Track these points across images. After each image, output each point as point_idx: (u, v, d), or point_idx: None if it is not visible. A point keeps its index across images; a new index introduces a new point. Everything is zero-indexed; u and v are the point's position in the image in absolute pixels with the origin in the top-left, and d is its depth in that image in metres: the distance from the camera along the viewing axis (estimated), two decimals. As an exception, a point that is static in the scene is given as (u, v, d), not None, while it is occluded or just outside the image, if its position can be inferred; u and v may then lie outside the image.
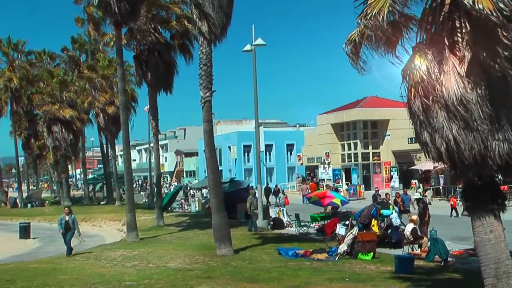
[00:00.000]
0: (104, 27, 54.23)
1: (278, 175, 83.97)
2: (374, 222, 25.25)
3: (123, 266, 21.47)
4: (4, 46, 70.20)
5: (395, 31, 12.39)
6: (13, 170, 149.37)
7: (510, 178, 25.49)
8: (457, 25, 11.73)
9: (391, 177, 63.73)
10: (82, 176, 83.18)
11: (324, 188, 55.86)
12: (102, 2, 29.77)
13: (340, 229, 25.71)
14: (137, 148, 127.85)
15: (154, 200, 45.75)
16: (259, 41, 34.26)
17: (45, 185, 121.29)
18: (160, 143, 48.39)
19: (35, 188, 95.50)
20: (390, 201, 31.86)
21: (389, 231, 26.11)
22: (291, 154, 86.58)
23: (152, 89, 37.19)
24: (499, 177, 13.94)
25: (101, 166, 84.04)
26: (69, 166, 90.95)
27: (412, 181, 56.57)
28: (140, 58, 36.31)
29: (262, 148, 69.90)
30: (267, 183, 65.82)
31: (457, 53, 11.70)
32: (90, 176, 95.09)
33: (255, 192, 34.37)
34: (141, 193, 79.43)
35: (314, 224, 32.93)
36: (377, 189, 43.90)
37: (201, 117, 24.14)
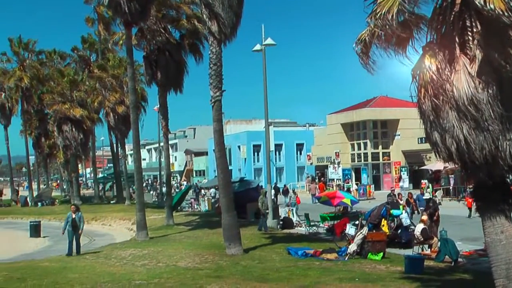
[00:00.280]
0: (114, 27, 54.10)
1: (287, 174, 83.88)
2: (384, 222, 25.23)
3: (133, 265, 21.53)
4: (15, 45, 70.44)
5: (405, 30, 12.36)
6: (24, 169, 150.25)
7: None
8: (468, 24, 11.68)
9: (400, 177, 63.57)
10: (92, 175, 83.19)
11: (334, 188, 55.81)
12: (112, 2, 29.81)
13: (350, 229, 25.66)
14: (147, 147, 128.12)
15: (164, 199, 45.79)
16: (269, 41, 34.22)
17: (54, 184, 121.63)
18: (170, 142, 48.37)
19: (45, 187, 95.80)
20: (402, 201, 31.84)
21: (399, 231, 26.08)
22: (300, 153, 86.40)
23: (162, 89, 37.23)
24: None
25: (111, 165, 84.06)
26: (79, 165, 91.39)
27: (422, 181, 56.37)
28: (150, 58, 36.36)
29: (272, 147, 69.95)
30: (275, 183, 65.72)
31: (468, 52, 11.65)
32: (100, 175, 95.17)
33: (266, 192, 34.34)
34: (151, 192, 79.48)
35: (323, 224, 32.92)
36: (392, 189, 43.91)
37: (211, 116, 24.20)
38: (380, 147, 67.40)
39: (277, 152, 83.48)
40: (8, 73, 70.64)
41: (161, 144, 51.10)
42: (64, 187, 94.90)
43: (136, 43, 35.41)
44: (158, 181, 76.77)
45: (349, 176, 66.98)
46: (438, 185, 52.72)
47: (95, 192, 72.04)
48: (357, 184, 61.72)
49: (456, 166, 13.13)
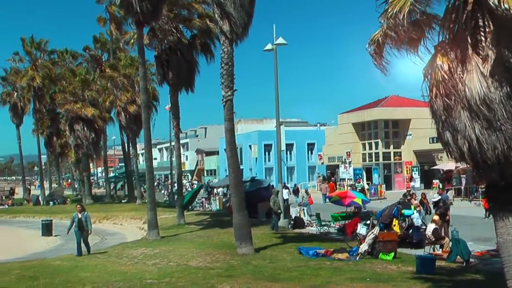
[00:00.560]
0: (126, 27, 54.38)
1: (298, 174, 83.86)
2: (395, 222, 25.14)
3: (144, 264, 21.59)
4: (27, 45, 70.88)
5: (417, 30, 12.33)
6: (36, 168, 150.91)
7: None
8: (481, 24, 11.64)
9: (411, 177, 63.45)
10: (103, 174, 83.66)
11: (345, 188, 55.70)
12: (124, 2, 29.88)
13: (361, 229, 25.62)
14: (158, 146, 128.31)
15: (175, 198, 45.85)
16: (280, 40, 34.19)
17: (64, 183, 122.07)
18: (181, 141, 48.47)
19: (57, 186, 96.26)
20: (416, 201, 31.75)
21: (410, 231, 26.02)
22: (311, 153, 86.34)
23: (173, 88, 37.25)
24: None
25: (123, 164, 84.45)
26: (91, 164, 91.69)
27: (433, 181, 56.27)
28: (162, 58, 36.37)
29: (283, 147, 69.82)
30: (284, 183, 65.61)
31: (480, 52, 11.60)
32: (112, 174, 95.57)
33: (278, 191, 34.29)
34: (162, 191, 79.69)
35: (335, 223, 32.87)
36: (409, 189, 43.86)
37: (222, 115, 24.20)
38: (391, 146, 67.24)
39: (288, 152, 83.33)
40: (21, 73, 71.16)
41: (173, 143, 51.16)
42: (76, 186, 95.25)
43: (147, 43, 35.43)
44: (169, 180, 76.88)
45: (360, 176, 66.89)
46: (450, 185, 52.55)
47: (106, 191, 72.34)
48: (368, 184, 61.59)
49: (468, 166, 13.09)
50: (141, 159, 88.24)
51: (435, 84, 11.93)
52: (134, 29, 33.87)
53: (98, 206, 56.58)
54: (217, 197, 54.17)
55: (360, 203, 32.56)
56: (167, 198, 68.42)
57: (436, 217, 24.50)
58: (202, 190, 63.18)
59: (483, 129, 11.33)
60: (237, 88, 24.00)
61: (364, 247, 22.55)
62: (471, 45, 11.71)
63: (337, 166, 72.15)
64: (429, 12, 12.37)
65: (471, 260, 21.04)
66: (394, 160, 66.74)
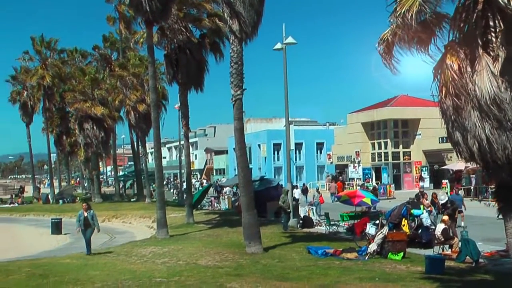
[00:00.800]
0: (135, 26, 54.30)
1: (307, 173, 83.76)
2: (404, 221, 25.09)
3: (153, 263, 21.63)
4: (37, 44, 71.10)
5: (426, 29, 12.30)
6: (45, 167, 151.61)
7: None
8: (491, 24, 11.61)
9: (421, 177, 63.28)
10: (113, 173, 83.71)
11: (354, 187, 55.61)
12: (134, 1, 29.89)
13: (370, 229, 25.60)
14: (167, 145, 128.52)
15: (184, 197, 45.93)
16: (290, 39, 34.15)
17: (72, 181, 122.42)
18: (190, 140, 48.48)
19: (66, 184, 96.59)
20: (427, 201, 31.68)
21: (420, 231, 25.93)
22: (321, 152, 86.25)
23: (182, 87, 37.28)
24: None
25: (132, 163, 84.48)
26: (100, 163, 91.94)
27: (443, 181, 56.11)
28: (171, 57, 36.40)
29: (292, 146, 69.78)
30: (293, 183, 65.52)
31: (491, 52, 11.58)
32: (121, 173, 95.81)
33: (288, 191, 34.26)
34: (171, 190, 79.79)
35: (343, 223, 32.82)
36: (421, 189, 43.60)
37: (231, 115, 24.21)
38: (400, 146, 67.09)
39: (297, 151, 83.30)
40: (31, 72, 71.46)
41: (182, 142, 51.22)
42: (85, 184, 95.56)
43: (157, 42, 35.48)
44: (178, 179, 76.93)
45: (369, 176, 66.81)
46: (459, 185, 52.38)
47: (115, 190, 72.51)
48: (377, 184, 61.46)
49: (478, 166, 13.06)
50: (150, 158, 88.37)
51: (445, 84, 11.92)
52: (143, 28, 33.84)
53: (108, 205, 56.75)
54: (226, 196, 54.18)
55: (369, 203, 32.49)
56: (176, 197, 68.51)
57: (445, 217, 24.45)
58: (211, 189, 63.19)
59: (493, 129, 11.31)
60: (246, 87, 24.02)
61: (373, 246, 22.52)
62: (481, 44, 11.70)
63: (346, 166, 72.02)
64: (439, 11, 12.36)
65: (480, 260, 20.94)
66: (403, 159, 66.60)
